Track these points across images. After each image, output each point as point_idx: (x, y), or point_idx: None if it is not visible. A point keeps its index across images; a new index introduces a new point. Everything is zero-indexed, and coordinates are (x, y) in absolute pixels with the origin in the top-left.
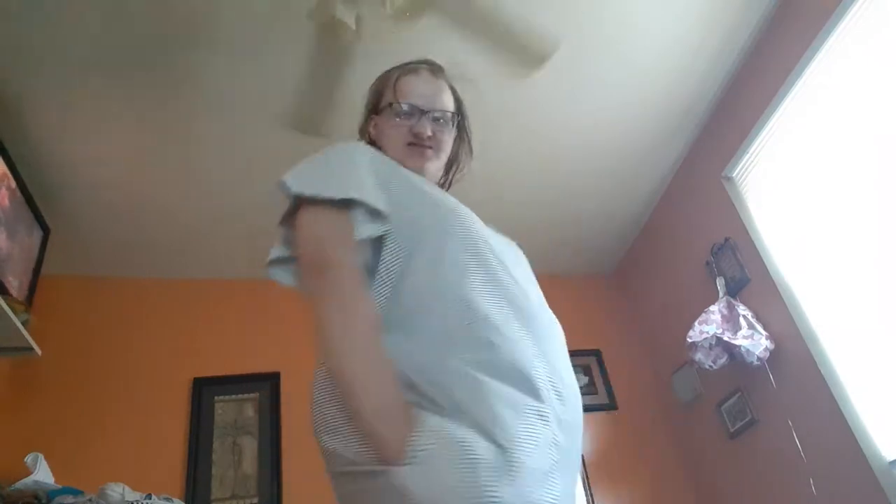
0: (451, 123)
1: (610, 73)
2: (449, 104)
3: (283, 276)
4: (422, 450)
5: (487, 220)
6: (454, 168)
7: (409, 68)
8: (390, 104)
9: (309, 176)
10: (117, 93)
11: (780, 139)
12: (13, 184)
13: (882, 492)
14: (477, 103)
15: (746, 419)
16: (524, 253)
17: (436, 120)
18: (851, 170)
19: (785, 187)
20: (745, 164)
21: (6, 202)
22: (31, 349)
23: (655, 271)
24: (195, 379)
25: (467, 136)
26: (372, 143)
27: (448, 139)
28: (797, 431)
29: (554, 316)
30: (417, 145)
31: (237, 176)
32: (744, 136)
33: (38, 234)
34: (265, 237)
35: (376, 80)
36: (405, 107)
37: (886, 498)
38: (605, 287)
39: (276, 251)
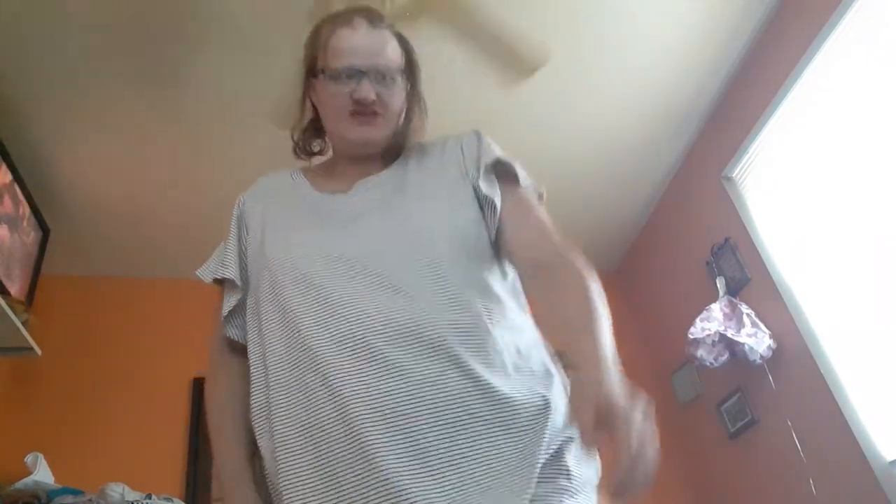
0: (398, 79)
1: (610, 73)
2: (394, 57)
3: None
4: None
5: None
6: (406, 130)
7: (341, 20)
8: (323, 70)
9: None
10: (117, 93)
11: (780, 139)
12: (13, 184)
13: (882, 492)
14: (477, 103)
15: (746, 419)
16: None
17: (380, 79)
18: (851, 170)
19: (785, 187)
20: (745, 164)
21: (6, 202)
22: (31, 349)
23: (655, 271)
24: (195, 379)
25: (419, 92)
26: (316, 109)
27: (396, 100)
28: (797, 431)
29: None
30: (361, 114)
31: (237, 176)
32: (744, 136)
33: (38, 234)
34: None
35: (309, 35)
36: (341, 70)
37: (886, 498)
38: (604, 287)
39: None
